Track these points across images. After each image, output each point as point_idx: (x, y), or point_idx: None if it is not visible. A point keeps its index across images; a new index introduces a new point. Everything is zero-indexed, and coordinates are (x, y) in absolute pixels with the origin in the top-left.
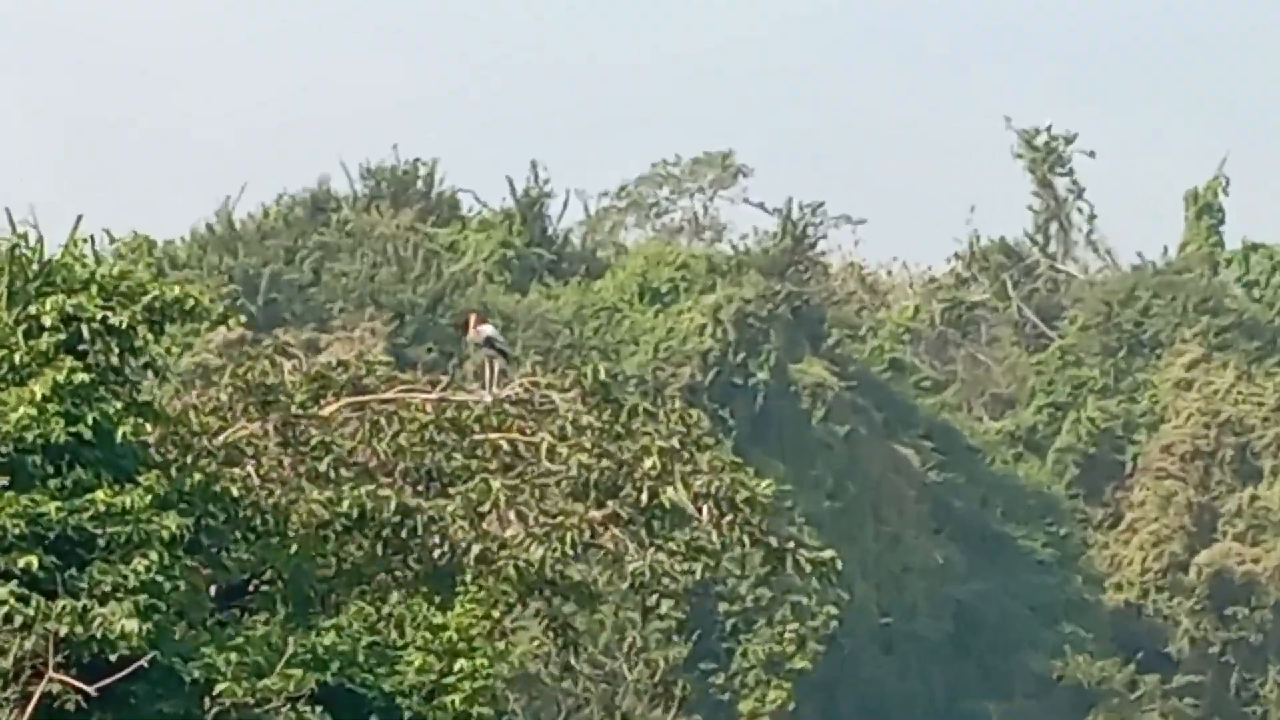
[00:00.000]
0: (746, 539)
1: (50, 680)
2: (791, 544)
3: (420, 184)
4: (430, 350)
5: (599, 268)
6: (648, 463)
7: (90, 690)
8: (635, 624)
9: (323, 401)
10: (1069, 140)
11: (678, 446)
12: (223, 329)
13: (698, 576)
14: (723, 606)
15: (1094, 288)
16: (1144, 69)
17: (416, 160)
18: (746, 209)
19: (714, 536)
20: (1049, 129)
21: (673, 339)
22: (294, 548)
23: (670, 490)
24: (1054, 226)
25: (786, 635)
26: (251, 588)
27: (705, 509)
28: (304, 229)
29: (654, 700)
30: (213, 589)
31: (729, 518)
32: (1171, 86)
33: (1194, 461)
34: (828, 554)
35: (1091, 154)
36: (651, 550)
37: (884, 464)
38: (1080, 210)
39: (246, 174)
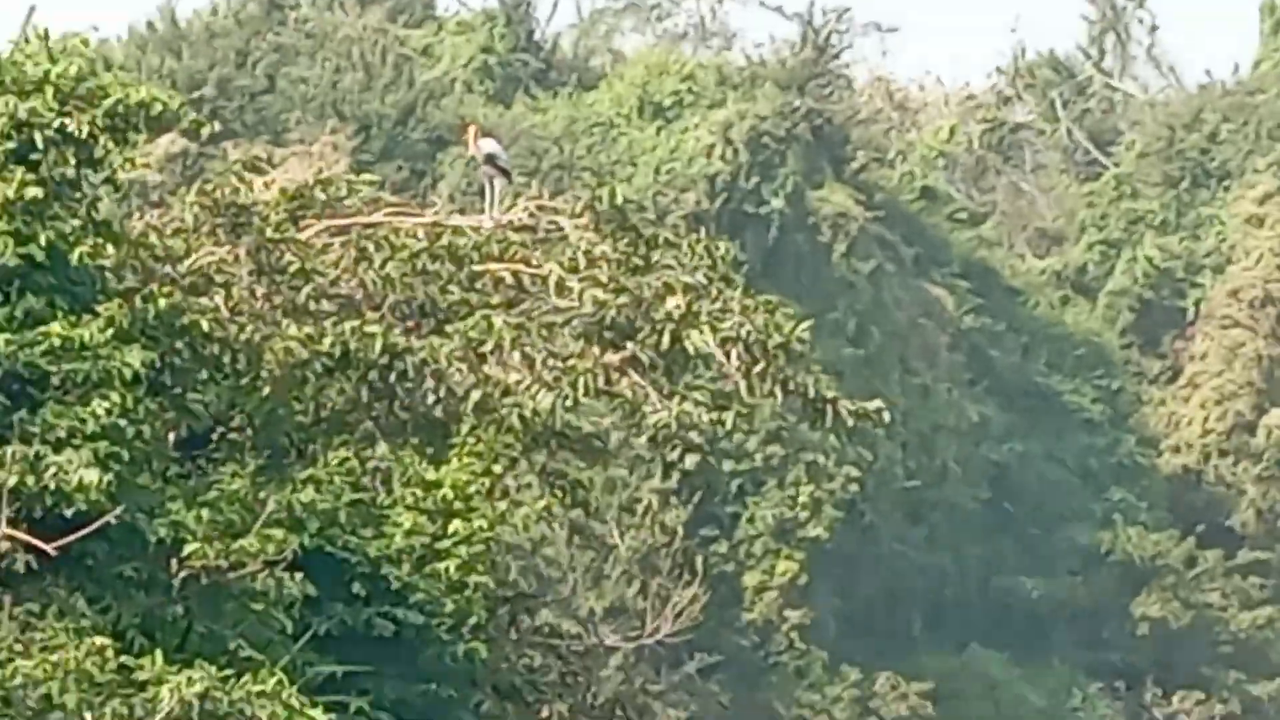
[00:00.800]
0: (779, 388)
1: (5, 538)
2: (831, 393)
3: None
4: (400, 169)
5: (593, 78)
6: (671, 301)
7: (49, 549)
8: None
9: (301, 224)
10: None
11: (704, 283)
12: (163, 140)
13: (728, 428)
14: (728, 465)
15: (1154, 109)
16: None
17: None
18: (761, 13)
19: (742, 385)
20: None
21: (676, 160)
22: (267, 390)
23: (695, 333)
24: (1110, 39)
25: (800, 499)
26: (217, 435)
27: (734, 354)
28: (258, 28)
29: (674, 572)
30: (172, 436)
31: (760, 365)
32: None
33: (1264, 308)
34: (874, 404)
35: None
36: (676, 399)
37: (913, 306)
38: (1140, 21)
39: None
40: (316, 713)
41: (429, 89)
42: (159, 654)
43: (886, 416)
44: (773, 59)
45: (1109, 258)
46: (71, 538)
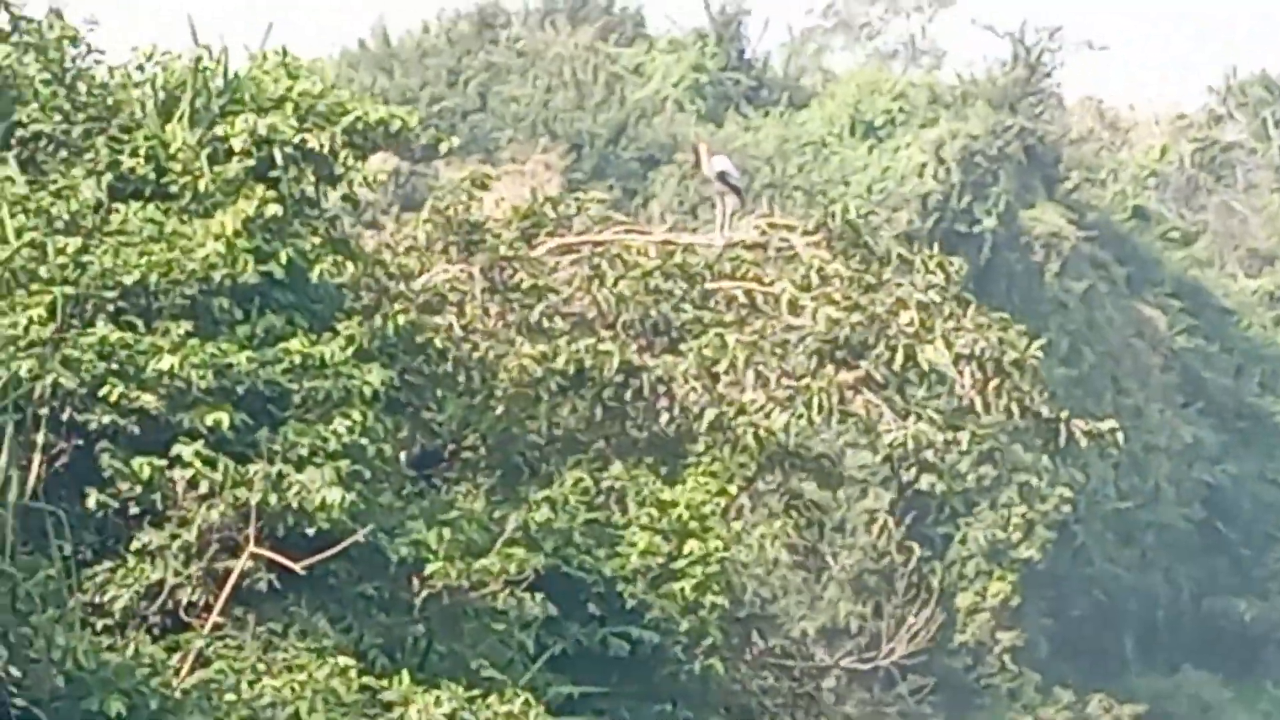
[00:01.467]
0: (1015, 407)
1: (251, 556)
2: (1065, 413)
3: None
4: (611, 188)
5: (803, 97)
6: (904, 317)
7: (297, 568)
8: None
9: (534, 242)
10: None
11: (937, 300)
12: (375, 159)
13: (964, 448)
14: (939, 486)
15: None
16: None
17: None
18: (970, 33)
19: (978, 404)
20: None
21: (888, 179)
22: (501, 409)
23: (930, 349)
24: None
25: (1012, 520)
26: (450, 453)
27: (968, 371)
28: (469, 47)
29: (909, 593)
30: (404, 454)
31: (995, 382)
32: None
33: None
34: (1107, 425)
35: None
36: (911, 418)
37: (1126, 326)
38: None
39: None
40: None
41: (640, 108)
42: (404, 674)
43: (1121, 437)
44: (984, 77)
45: None
46: (320, 556)
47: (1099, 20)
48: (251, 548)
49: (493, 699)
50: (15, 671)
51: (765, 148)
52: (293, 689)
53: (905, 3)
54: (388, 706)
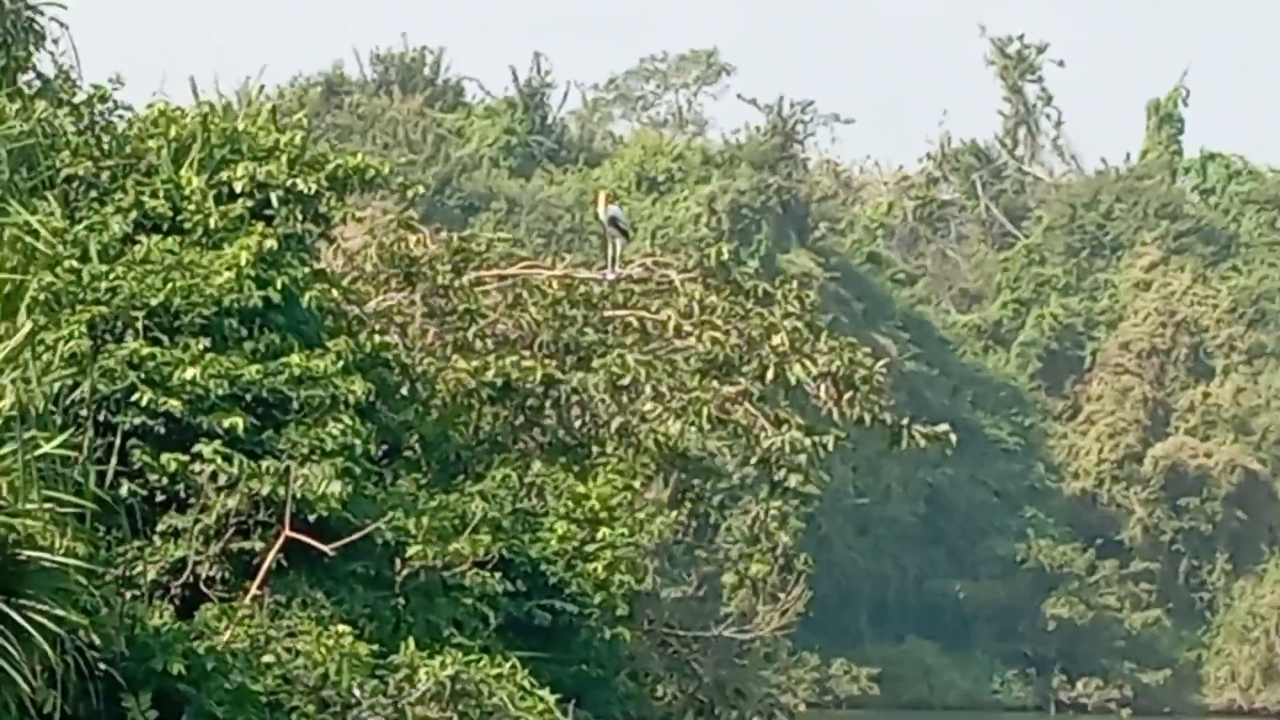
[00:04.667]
0: (867, 415)
1: (286, 539)
2: (906, 419)
3: (427, 70)
4: (439, 230)
5: (596, 157)
6: (776, 339)
7: (329, 550)
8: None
9: (464, 274)
10: (1040, 49)
11: (801, 327)
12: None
13: (830, 448)
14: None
15: (1059, 190)
16: None
17: (424, 48)
18: (732, 104)
19: (835, 414)
20: (1021, 38)
21: (669, 226)
22: (438, 414)
23: (797, 367)
24: (1022, 131)
25: (770, 512)
26: (391, 452)
27: (823, 386)
28: (318, 110)
29: (781, 572)
30: None
31: (848, 395)
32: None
33: (1150, 359)
34: (942, 428)
35: (1061, 63)
36: (785, 426)
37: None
38: (1048, 117)
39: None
40: (544, 693)
41: (462, 163)
42: (411, 641)
43: (954, 438)
44: (747, 142)
45: (1021, 314)
46: (345, 540)
47: (837, 93)
48: (287, 531)
49: (484, 661)
50: (95, 636)
51: (566, 199)
52: (322, 651)
53: (674, 80)
54: (396, 669)
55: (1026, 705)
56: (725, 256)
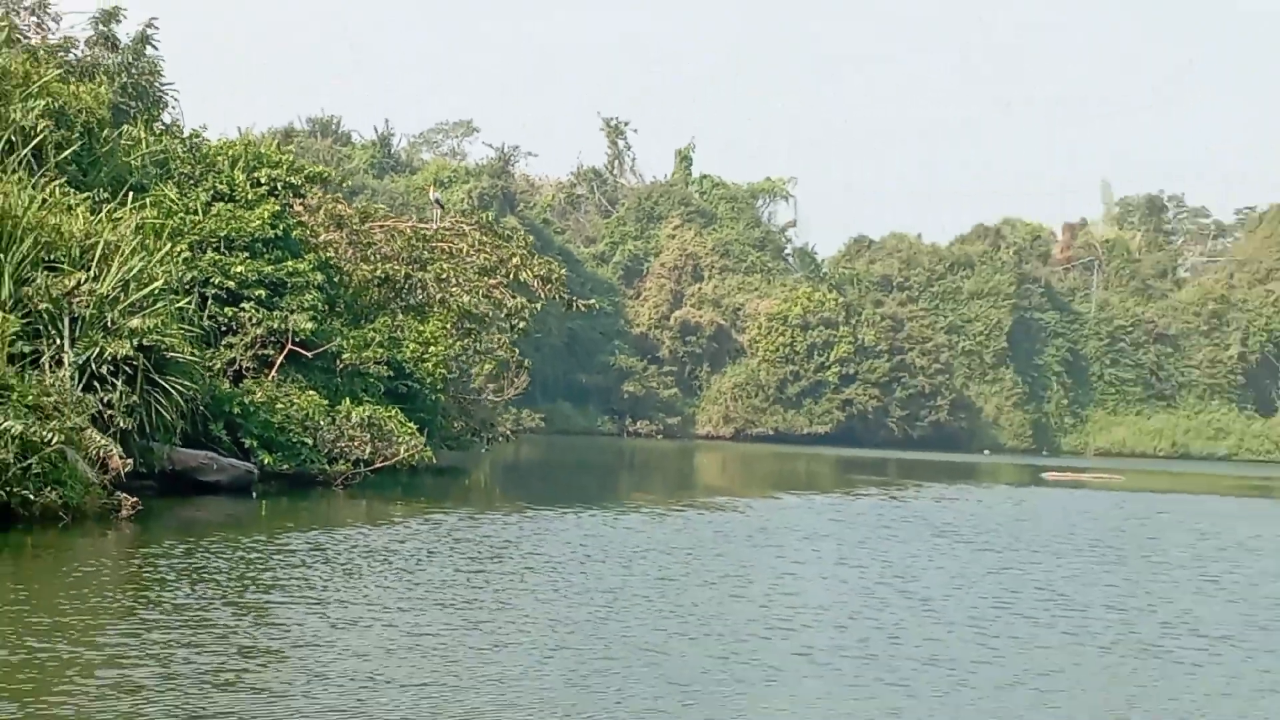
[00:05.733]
0: (557, 295)
1: (290, 350)
2: (576, 298)
3: (334, 126)
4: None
5: (414, 169)
6: (515, 259)
7: (307, 355)
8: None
9: (365, 224)
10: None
11: (524, 253)
12: None
13: (538, 310)
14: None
15: (635, 190)
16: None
17: (333, 115)
18: (480, 146)
19: (541, 293)
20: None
21: (454, 203)
22: (351, 291)
23: (525, 272)
24: (616, 162)
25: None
26: None
27: (536, 280)
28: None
29: (515, 367)
30: None
31: (547, 285)
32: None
33: (674, 270)
34: (591, 301)
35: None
36: (517, 299)
37: None
38: (630, 154)
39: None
40: (409, 423)
41: (352, 171)
42: (347, 400)
43: (597, 307)
44: (486, 164)
45: (614, 249)
46: (316, 351)
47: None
48: (290, 345)
49: (379, 409)
50: (198, 394)
51: (401, 189)
52: (303, 405)
53: (452, 133)
54: (339, 413)
55: (613, 434)
56: (490, 219)
